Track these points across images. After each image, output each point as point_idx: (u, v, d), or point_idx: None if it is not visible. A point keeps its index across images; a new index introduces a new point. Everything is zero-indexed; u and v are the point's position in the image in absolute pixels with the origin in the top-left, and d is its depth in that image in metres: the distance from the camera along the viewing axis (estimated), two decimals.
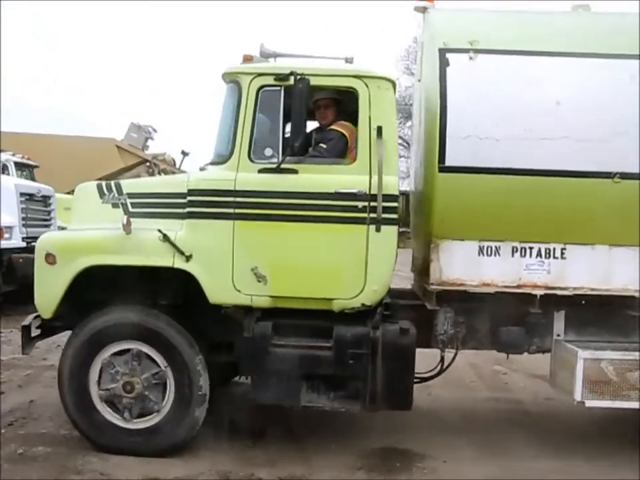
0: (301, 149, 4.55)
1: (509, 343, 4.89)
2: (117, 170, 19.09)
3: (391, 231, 4.51)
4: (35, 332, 4.87)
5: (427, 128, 5.01)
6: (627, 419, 5.00)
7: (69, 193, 14.27)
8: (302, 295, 4.54)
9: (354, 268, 4.50)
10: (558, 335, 4.90)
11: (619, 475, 4.59)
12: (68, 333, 4.98)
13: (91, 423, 4.65)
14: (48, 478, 4.28)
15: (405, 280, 6.59)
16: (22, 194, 10.38)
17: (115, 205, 4.73)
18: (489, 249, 4.77)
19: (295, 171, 4.53)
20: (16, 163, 13.01)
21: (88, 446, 4.69)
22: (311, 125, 5.19)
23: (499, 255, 4.77)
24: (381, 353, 4.44)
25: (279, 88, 4.54)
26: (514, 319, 4.86)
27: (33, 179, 13.34)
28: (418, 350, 4.65)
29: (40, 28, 65.04)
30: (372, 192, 4.44)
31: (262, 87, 4.57)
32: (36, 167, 13.96)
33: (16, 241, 9.93)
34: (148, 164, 20.27)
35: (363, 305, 4.53)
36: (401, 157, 10.79)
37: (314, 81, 4.44)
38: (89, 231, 4.69)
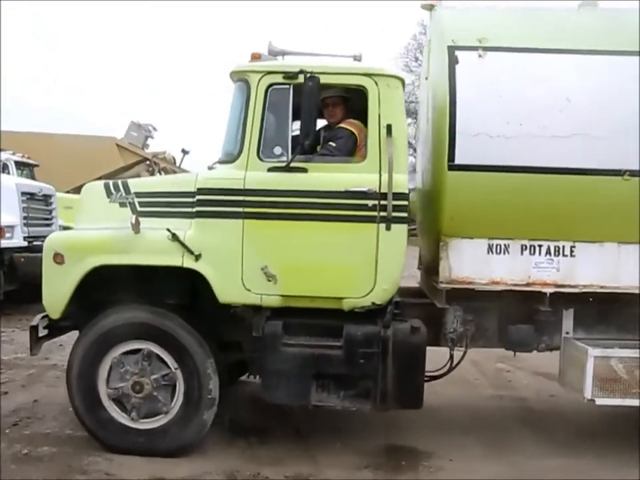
0: (310, 147, 4.53)
1: (518, 341, 4.88)
2: (117, 169, 19.06)
3: (401, 230, 4.49)
4: (42, 332, 4.84)
5: (436, 126, 4.97)
6: (633, 416, 4.99)
7: (69, 192, 14.31)
8: (312, 293, 4.52)
9: (364, 266, 4.48)
10: (567, 333, 4.89)
11: (627, 472, 4.59)
12: (71, 332, 4.97)
13: (98, 422, 4.63)
14: (54, 478, 4.27)
15: (409, 278, 6.55)
16: (23, 193, 10.34)
17: (122, 205, 4.71)
18: (498, 247, 4.75)
19: (304, 170, 4.50)
20: (16, 162, 12.97)
21: (93, 446, 4.68)
22: (319, 123, 5.15)
23: (508, 253, 4.75)
24: (391, 351, 4.43)
25: (288, 86, 4.51)
26: (523, 317, 4.85)
27: (33, 178, 13.30)
28: None
29: (40, 28, 65.07)
30: (382, 190, 4.43)
31: (271, 85, 4.54)
32: (36, 165, 13.93)
33: (17, 241, 9.88)
34: (148, 162, 20.24)
35: (373, 303, 4.52)
36: None
37: (323, 79, 4.40)
38: (97, 231, 4.66)
